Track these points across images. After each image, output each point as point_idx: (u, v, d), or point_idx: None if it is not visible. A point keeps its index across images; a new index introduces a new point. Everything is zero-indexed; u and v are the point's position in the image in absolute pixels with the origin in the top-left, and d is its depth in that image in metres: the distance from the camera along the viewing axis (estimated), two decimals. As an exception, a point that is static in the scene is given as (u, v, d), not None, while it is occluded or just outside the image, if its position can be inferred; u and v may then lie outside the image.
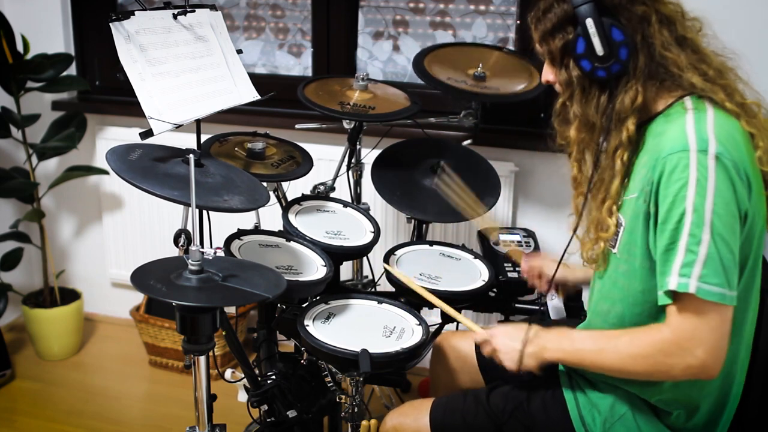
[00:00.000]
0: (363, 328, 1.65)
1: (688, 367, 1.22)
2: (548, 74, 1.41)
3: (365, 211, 2.04)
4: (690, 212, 1.19)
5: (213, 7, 1.92)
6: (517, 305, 2.00)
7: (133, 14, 1.65)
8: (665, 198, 1.22)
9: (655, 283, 1.26)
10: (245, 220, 2.18)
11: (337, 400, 1.72)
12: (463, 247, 2.03)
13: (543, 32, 1.35)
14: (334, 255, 1.82)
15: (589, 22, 1.27)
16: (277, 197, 2.17)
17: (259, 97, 1.93)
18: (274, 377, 1.77)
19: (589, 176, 1.40)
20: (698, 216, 1.19)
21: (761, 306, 1.40)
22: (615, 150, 1.33)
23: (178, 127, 1.65)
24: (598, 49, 1.27)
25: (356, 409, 1.66)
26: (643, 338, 1.28)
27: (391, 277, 1.81)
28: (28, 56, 2.78)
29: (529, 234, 2.16)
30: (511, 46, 2.66)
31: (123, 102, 2.91)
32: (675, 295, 1.22)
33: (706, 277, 1.18)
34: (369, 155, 2.32)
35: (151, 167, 1.49)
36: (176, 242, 1.69)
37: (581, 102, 1.34)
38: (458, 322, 1.63)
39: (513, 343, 1.42)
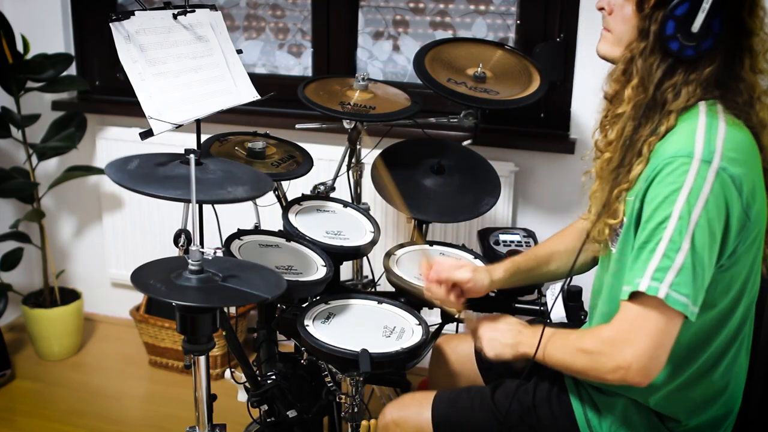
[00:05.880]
0: (363, 328, 1.65)
1: (616, 368, 1.21)
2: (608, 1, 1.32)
3: (365, 211, 2.04)
4: (676, 217, 1.17)
5: (213, 7, 1.92)
6: (517, 305, 1.99)
7: (133, 14, 1.65)
8: (654, 197, 1.21)
9: None
10: (245, 220, 2.18)
11: (337, 400, 1.72)
12: (463, 247, 2.03)
13: None
14: (334, 255, 1.82)
15: None
16: (277, 197, 2.17)
17: (259, 97, 1.93)
18: (274, 377, 1.77)
19: (616, 141, 1.30)
20: (683, 223, 1.17)
21: (761, 307, 1.40)
22: (649, 135, 1.26)
23: (178, 127, 1.65)
24: (696, 25, 1.19)
25: (356, 409, 1.66)
26: (589, 333, 1.30)
27: (391, 278, 1.81)
28: (28, 56, 2.78)
29: (529, 234, 2.15)
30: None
31: (123, 102, 2.90)
32: (635, 295, 1.20)
33: (678, 285, 1.17)
34: (369, 155, 2.32)
35: (151, 172, 1.49)
36: (176, 242, 1.69)
37: (644, 60, 1.26)
38: (458, 323, 1.63)
39: (496, 334, 1.46)
